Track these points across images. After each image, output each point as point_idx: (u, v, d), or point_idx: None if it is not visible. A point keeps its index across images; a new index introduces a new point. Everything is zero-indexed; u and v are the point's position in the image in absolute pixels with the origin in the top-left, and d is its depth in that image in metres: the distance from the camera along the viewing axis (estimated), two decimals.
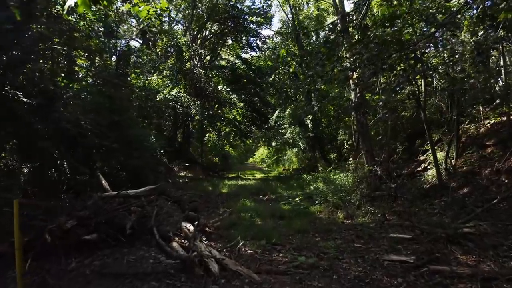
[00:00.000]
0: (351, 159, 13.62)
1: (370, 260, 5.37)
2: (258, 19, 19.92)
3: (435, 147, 10.90)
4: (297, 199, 10.04)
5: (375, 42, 5.55)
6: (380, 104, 9.01)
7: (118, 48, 15.83)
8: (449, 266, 5.00)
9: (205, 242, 6.18)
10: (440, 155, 10.29)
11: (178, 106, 16.36)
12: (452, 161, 9.73)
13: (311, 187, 11.87)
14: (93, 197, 7.04)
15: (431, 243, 6.18)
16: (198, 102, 16.84)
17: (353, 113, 11.60)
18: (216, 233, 6.61)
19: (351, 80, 11.46)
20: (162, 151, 17.61)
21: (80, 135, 7.24)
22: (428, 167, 10.52)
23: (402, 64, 6.66)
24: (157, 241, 5.83)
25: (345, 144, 14.05)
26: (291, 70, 15.10)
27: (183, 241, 5.86)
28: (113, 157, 9.40)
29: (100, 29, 9.28)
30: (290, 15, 18.74)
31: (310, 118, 15.10)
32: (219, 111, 21.69)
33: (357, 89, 11.05)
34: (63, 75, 7.63)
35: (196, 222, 6.14)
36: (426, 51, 7.48)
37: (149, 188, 7.73)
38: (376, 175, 10.68)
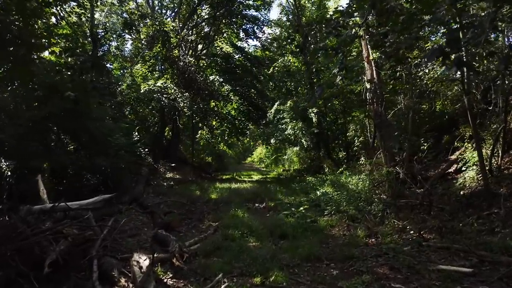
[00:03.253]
0: (362, 158, 11.61)
1: None
2: (255, 3, 17.89)
3: (470, 144, 8.94)
4: (302, 208, 8.02)
5: None
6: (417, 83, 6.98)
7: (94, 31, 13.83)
8: None
9: (171, 282, 4.17)
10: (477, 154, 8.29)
11: (164, 99, 14.31)
12: (497, 161, 7.73)
13: (317, 192, 9.86)
14: (19, 212, 5.05)
15: (504, 281, 4.22)
16: (187, 94, 14.80)
17: (368, 102, 9.60)
18: (188, 267, 4.57)
19: (366, 63, 9.50)
20: (146, 149, 15.64)
21: None
22: (463, 168, 8.51)
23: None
24: (93, 284, 3.81)
25: (356, 141, 12.05)
26: (294, 45, 13.14)
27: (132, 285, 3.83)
28: (69, 156, 7.36)
29: None
30: None
31: (315, 112, 13.10)
32: (215, 107, 19.66)
33: (374, 72, 9.03)
34: None
35: (152, 256, 4.09)
36: None
37: (101, 198, 5.75)
38: (398, 178, 8.68)
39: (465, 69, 7.03)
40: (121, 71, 20.09)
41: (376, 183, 8.92)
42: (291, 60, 16.95)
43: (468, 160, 8.30)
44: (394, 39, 5.09)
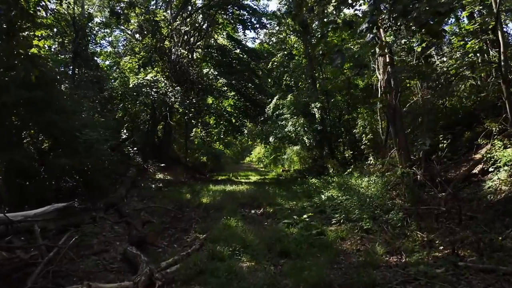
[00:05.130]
0: (371, 158, 10.46)
1: None
2: None
3: (498, 141, 7.81)
4: (305, 215, 6.87)
5: None
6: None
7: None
8: None
9: None
10: (508, 152, 7.17)
11: (153, 93, 13.14)
12: None
13: (322, 196, 8.73)
14: None
15: None
16: (179, 88, 13.63)
17: (381, 94, 8.46)
18: None
19: (378, 49, 8.37)
20: (135, 148, 14.50)
21: None
22: (491, 168, 7.37)
23: None
24: None
25: (364, 138, 10.90)
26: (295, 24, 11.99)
27: None
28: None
29: None
30: None
31: (318, 106, 11.91)
32: (213, 104, 18.49)
33: (387, 58, 7.92)
34: None
35: None
36: None
37: (53, 207, 4.66)
38: (416, 180, 7.56)
39: (501, 48, 5.92)
40: (113, 67, 18.98)
41: (390, 186, 7.78)
42: (292, 47, 15.72)
43: (497, 159, 7.16)
44: (423, 6, 3.92)
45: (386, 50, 7.88)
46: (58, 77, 7.43)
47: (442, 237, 5.50)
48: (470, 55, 8.41)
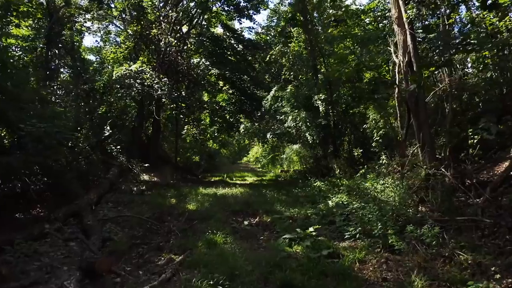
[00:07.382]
0: (383, 157, 9.09)
1: None
2: None
3: None
4: (311, 228, 5.49)
5: None
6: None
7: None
8: None
9: None
10: None
11: (137, 85, 11.73)
12: None
13: (329, 202, 7.40)
14: None
15: None
16: (166, 79, 12.24)
17: (397, 82, 7.11)
18: None
19: (396, 26, 7.07)
20: (118, 146, 13.12)
21: None
22: None
23: None
24: None
25: (375, 134, 9.49)
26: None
27: None
28: None
29: None
30: None
31: (322, 99, 10.49)
32: (208, 101, 17.14)
33: (408, 37, 6.60)
34: None
35: None
36: None
37: None
38: (444, 183, 6.22)
39: None
40: (99, 62, 17.60)
41: (412, 191, 6.43)
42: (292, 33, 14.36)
43: None
44: None
45: (407, 26, 6.55)
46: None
47: (491, 258, 4.17)
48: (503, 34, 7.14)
